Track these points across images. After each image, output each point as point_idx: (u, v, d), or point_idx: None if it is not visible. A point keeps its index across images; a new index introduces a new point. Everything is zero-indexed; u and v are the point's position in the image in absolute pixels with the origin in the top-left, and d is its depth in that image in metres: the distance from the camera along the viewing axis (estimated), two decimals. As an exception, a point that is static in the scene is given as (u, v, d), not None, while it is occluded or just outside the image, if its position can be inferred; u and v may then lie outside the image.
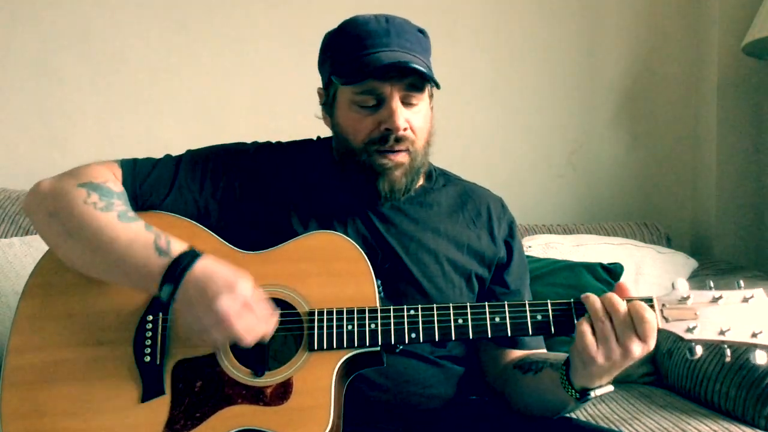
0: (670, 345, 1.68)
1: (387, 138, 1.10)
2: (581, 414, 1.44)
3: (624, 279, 1.78)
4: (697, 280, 1.88)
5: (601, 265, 1.78)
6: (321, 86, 1.21)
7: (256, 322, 0.95)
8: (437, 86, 1.12)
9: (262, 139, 1.27)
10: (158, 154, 1.20)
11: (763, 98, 2.16)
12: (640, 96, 2.34)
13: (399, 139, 1.10)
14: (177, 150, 1.21)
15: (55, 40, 2.13)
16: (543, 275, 1.73)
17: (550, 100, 2.32)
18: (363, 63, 1.07)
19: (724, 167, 2.19)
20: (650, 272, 1.88)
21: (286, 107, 2.20)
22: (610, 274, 1.76)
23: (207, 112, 2.19)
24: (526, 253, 1.87)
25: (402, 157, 1.12)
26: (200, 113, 2.19)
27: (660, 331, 0.94)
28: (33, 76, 2.12)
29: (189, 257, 0.97)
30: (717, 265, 1.99)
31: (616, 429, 1.29)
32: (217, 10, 2.19)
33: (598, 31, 2.33)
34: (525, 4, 2.30)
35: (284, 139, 1.28)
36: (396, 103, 1.09)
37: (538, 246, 1.91)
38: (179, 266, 0.96)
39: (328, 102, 1.18)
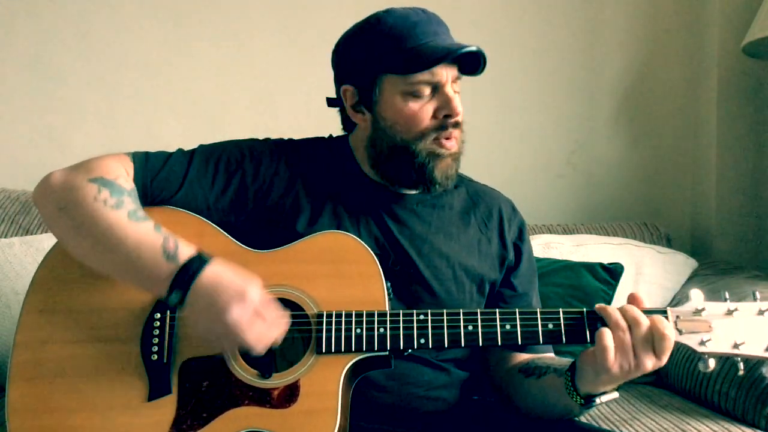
0: (670, 345, 1.68)
1: (446, 125, 1.11)
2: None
3: (624, 279, 1.78)
4: (697, 279, 1.88)
5: (601, 265, 1.78)
6: (348, 86, 1.17)
7: (266, 330, 0.95)
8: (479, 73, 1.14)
9: (261, 138, 1.26)
10: (158, 154, 1.20)
11: (763, 98, 2.16)
12: (640, 96, 2.34)
13: (456, 125, 1.12)
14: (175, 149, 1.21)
15: (55, 39, 2.13)
16: (543, 275, 1.72)
17: (550, 100, 2.32)
18: (431, 50, 1.08)
19: (724, 167, 2.19)
20: (650, 272, 1.88)
21: (286, 106, 2.20)
22: (610, 274, 1.76)
23: (207, 111, 2.19)
24: (526, 253, 1.88)
25: (454, 145, 1.13)
26: (200, 112, 2.19)
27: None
28: (33, 76, 2.12)
29: (197, 263, 0.96)
30: (717, 265, 1.99)
31: (617, 430, 1.29)
32: (217, 9, 2.19)
33: (598, 31, 2.33)
34: (525, 3, 2.30)
35: (284, 137, 1.28)
36: (452, 89, 1.11)
37: (538, 246, 1.90)
38: (188, 273, 0.95)
39: (364, 101, 1.16)
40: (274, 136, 1.29)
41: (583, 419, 1.40)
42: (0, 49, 2.11)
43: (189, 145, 1.22)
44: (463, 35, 2.25)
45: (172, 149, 1.20)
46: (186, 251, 0.98)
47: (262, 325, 0.94)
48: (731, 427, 1.32)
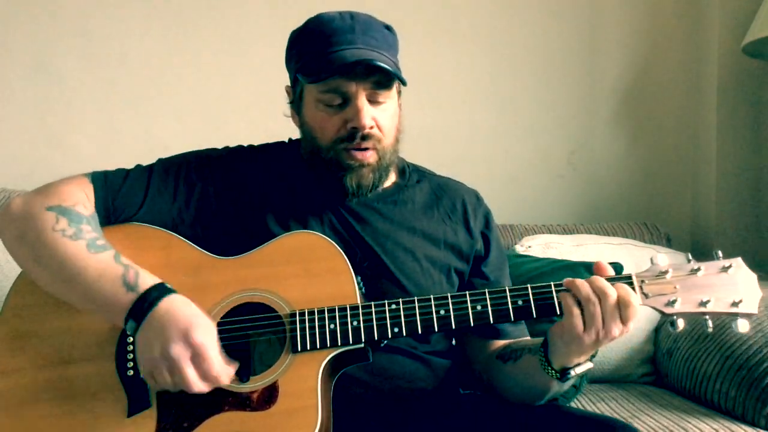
0: (670, 345, 1.68)
1: (354, 136, 1.10)
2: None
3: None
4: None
5: (601, 264, 1.78)
6: (289, 84, 1.21)
7: (205, 373, 0.93)
8: (403, 83, 1.12)
9: (260, 139, 1.27)
10: (158, 154, 1.20)
11: (763, 98, 2.16)
12: (640, 96, 2.34)
13: (365, 137, 1.10)
14: (175, 150, 1.21)
15: (55, 40, 2.13)
16: (543, 275, 1.73)
17: (550, 100, 2.32)
18: (328, 61, 1.06)
19: (724, 167, 2.19)
20: (650, 272, 1.88)
21: (286, 107, 2.20)
22: (610, 274, 1.76)
23: (207, 112, 2.19)
24: (526, 253, 1.88)
25: (370, 156, 1.12)
26: (200, 113, 2.19)
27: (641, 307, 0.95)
28: (33, 76, 2.12)
29: (156, 293, 0.96)
30: (717, 265, 1.99)
31: (600, 413, 1.29)
32: (217, 10, 2.20)
33: (598, 31, 2.33)
34: (525, 3, 2.30)
35: (283, 138, 1.28)
36: (362, 101, 1.09)
37: (538, 246, 1.91)
38: (145, 302, 0.95)
39: (296, 100, 1.19)
40: (273, 137, 1.29)
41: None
42: (0, 50, 2.11)
43: (188, 146, 1.23)
44: (464, 35, 2.27)
45: (171, 149, 1.21)
46: (147, 281, 0.98)
47: (202, 367, 0.93)
48: (732, 426, 1.32)
